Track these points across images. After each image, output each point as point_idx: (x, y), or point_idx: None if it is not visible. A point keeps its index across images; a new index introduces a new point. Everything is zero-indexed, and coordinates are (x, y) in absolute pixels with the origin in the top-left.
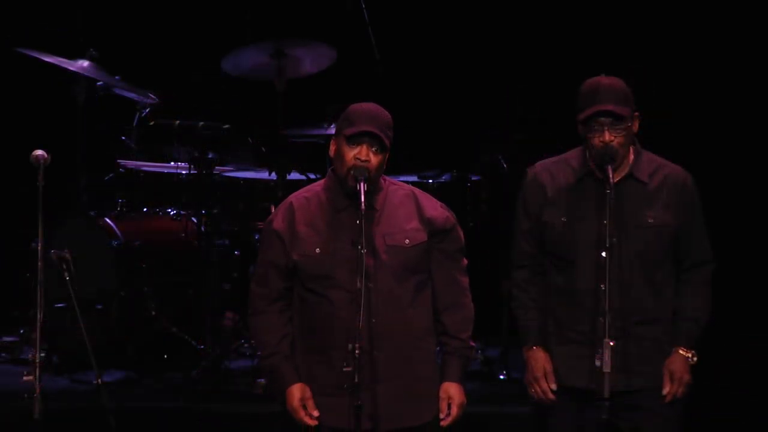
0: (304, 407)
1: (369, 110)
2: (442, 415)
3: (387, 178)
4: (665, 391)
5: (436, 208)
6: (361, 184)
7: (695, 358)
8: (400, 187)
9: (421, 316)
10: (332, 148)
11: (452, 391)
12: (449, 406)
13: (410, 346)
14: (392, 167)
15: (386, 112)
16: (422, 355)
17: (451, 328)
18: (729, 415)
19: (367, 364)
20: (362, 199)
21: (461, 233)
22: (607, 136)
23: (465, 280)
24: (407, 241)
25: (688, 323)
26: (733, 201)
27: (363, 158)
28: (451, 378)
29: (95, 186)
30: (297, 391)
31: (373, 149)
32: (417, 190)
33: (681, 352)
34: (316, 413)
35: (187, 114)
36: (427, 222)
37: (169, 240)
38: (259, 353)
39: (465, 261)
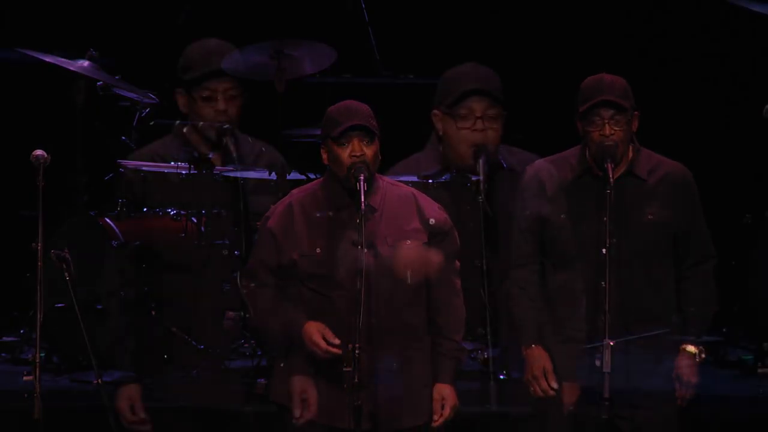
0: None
1: (348, 106)
2: (435, 416)
3: (385, 178)
4: (677, 395)
5: (435, 210)
6: (362, 182)
7: (704, 354)
8: (398, 188)
9: (417, 316)
10: (325, 156)
11: (446, 393)
12: (442, 407)
13: (408, 346)
14: (392, 167)
15: (364, 104)
16: (420, 356)
17: (445, 330)
18: (729, 415)
19: (367, 364)
20: (362, 198)
21: (456, 236)
22: (607, 130)
23: (458, 282)
24: (409, 242)
25: (696, 319)
26: (733, 201)
27: (358, 153)
28: (444, 379)
29: (95, 186)
30: (312, 326)
31: (364, 141)
32: (415, 191)
33: (689, 349)
34: (337, 341)
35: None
36: (426, 223)
37: (169, 240)
38: (269, 329)
39: (458, 263)
